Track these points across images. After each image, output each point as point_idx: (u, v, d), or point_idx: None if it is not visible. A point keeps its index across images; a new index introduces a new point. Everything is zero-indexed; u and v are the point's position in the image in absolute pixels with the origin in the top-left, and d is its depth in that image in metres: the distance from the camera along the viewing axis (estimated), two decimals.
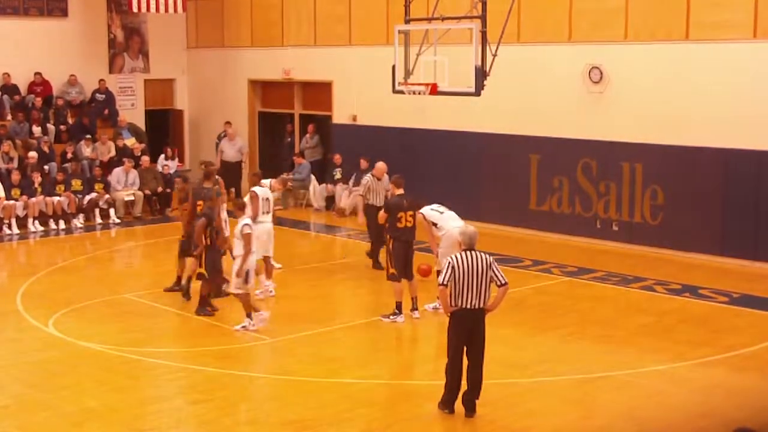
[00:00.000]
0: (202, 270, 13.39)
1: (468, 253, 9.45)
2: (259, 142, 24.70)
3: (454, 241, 13.09)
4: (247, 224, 12.45)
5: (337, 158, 21.87)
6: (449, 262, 9.44)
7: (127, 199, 21.11)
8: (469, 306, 9.36)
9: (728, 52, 16.21)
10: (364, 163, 21.24)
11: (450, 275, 9.35)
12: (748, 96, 15.94)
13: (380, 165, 16.09)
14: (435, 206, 13.61)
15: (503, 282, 9.48)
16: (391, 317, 12.92)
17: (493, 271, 9.45)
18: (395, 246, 12.88)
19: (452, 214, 13.45)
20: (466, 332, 9.44)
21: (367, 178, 16.14)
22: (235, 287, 12.43)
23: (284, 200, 21.65)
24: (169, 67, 25.44)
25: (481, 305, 9.41)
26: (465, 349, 9.48)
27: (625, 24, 17.31)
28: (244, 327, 12.40)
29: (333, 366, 11.27)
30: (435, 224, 13.28)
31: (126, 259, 18.31)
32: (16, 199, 19.58)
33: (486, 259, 9.45)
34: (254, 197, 13.83)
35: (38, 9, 23.23)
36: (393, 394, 10.48)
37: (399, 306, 12.92)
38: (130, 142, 22.83)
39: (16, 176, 19.79)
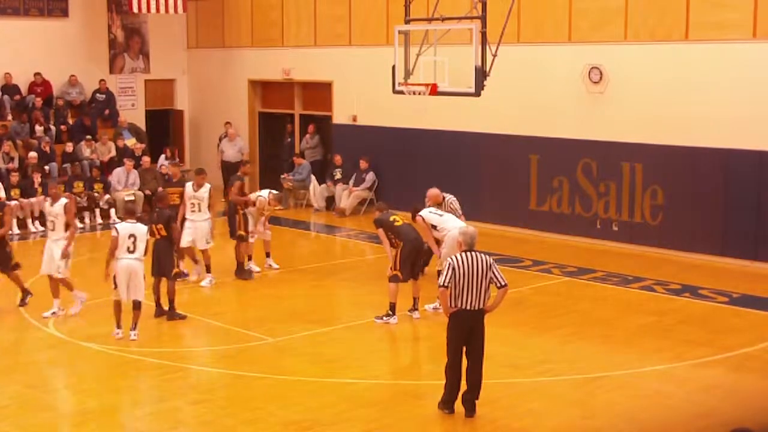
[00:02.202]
0: (179, 270, 13.33)
1: (468, 254, 9.43)
2: (259, 143, 24.71)
3: (456, 242, 13.13)
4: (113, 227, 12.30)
5: (338, 159, 21.89)
6: (449, 263, 9.44)
7: (127, 199, 21.11)
8: (468, 307, 9.36)
9: (728, 52, 16.21)
10: (363, 164, 21.29)
11: (450, 276, 9.35)
12: (748, 96, 15.94)
13: (432, 192, 14.40)
14: (432, 209, 13.68)
15: (503, 284, 9.50)
16: (384, 318, 12.93)
17: (493, 272, 9.45)
18: (405, 248, 12.87)
19: (451, 216, 13.50)
20: (466, 333, 9.44)
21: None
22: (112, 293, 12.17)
23: (284, 200, 21.66)
24: (170, 67, 25.46)
25: (481, 306, 9.41)
26: (465, 349, 9.50)
27: (624, 24, 17.31)
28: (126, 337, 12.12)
29: (333, 366, 11.28)
30: (435, 227, 13.28)
31: None
32: (17, 200, 19.61)
33: (486, 260, 9.45)
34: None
35: (39, 9, 23.24)
36: (393, 394, 10.48)
37: (393, 307, 12.92)
38: (130, 142, 22.85)
39: (14, 178, 19.78)
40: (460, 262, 9.36)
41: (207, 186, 14.98)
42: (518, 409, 9.87)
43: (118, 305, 12.12)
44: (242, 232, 15.32)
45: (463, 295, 9.34)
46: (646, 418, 9.71)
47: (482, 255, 9.48)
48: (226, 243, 15.83)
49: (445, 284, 9.38)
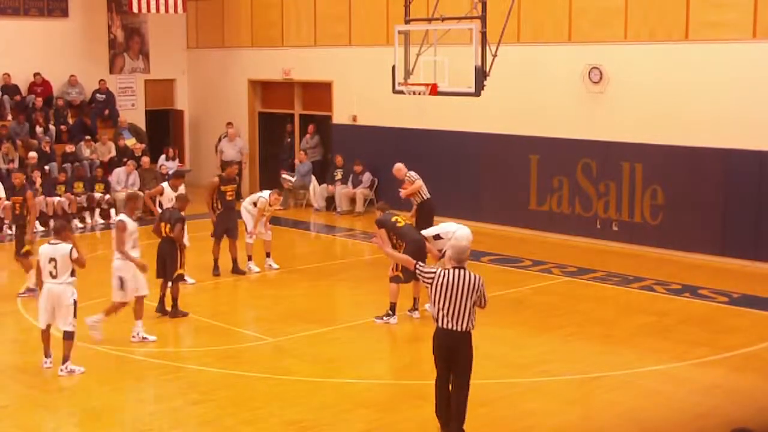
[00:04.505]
0: (182, 271, 13.35)
1: (456, 271, 8.77)
2: (259, 143, 24.71)
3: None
4: (73, 248, 10.91)
5: (339, 160, 21.88)
6: (436, 273, 8.85)
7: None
8: (450, 327, 8.70)
9: (728, 52, 16.21)
10: (358, 168, 21.32)
11: (428, 276, 8.85)
12: (748, 96, 15.95)
13: (396, 167, 15.96)
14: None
15: (482, 305, 9.08)
16: (385, 318, 12.93)
17: (481, 293, 8.81)
18: (407, 249, 12.77)
19: (449, 222, 13.55)
20: (446, 353, 8.80)
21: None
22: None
23: (284, 200, 21.67)
24: (170, 67, 25.46)
25: (465, 328, 8.71)
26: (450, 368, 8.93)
27: (624, 24, 17.31)
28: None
29: (333, 366, 11.28)
30: (438, 236, 13.19)
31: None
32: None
33: (475, 282, 8.75)
34: None
35: (38, 9, 23.24)
36: (393, 394, 10.48)
37: (393, 307, 12.92)
38: (130, 142, 22.85)
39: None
40: (446, 279, 8.72)
41: (182, 186, 15.36)
42: (518, 409, 9.87)
43: (42, 333, 11.08)
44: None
45: (445, 314, 8.70)
46: (647, 418, 9.71)
47: (472, 275, 8.80)
48: (224, 243, 15.83)
49: (419, 267, 9.04)
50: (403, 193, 15.60)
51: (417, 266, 9.11)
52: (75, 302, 10.87)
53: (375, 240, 10.29)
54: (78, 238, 19.21)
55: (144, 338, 12.08)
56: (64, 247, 10.84)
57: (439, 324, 8.79)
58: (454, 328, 8.72)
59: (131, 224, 12.00)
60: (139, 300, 12.10)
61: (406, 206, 15.96)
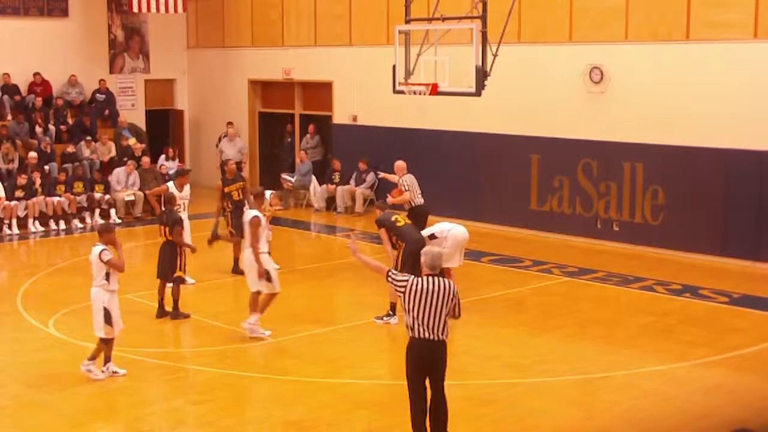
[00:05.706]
0: (181, 273, 13.30)
1: (430, 278, 8.48)
2: (259, 143, 24.71)
3: (461, 240, 13.12)
4: (104, 250, 10.63)
5: (336, 164, 21.85)
6: (409, 279, 8.53)
7: (127, 199, 21.13)
8: (426, 336, 8.47)
9: (728, 52, 16.21)
10: (363, 165, 21.30)
11: (401, 284, 8.50)
12: (748, 96, 15.94)
13: (399, 164, 15.79)
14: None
15: (456, 315, 8.76)
16: (385, 318, 12.92)
17: (455, 301, 8.58)
18: (406, 248, 12.78)
19: (443, 222, 13.55)
20: (425, 364, 8.59)
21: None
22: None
23: (284, 200, 21.69)
24: (170, 67, 25.46)
25: (441, 337, 8.47)
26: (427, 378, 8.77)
27: (625, 24, 17.31)
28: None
29: (333, 366, 11.28)
30: (434, 235, 13.19)
31: (126, 259, 18.26)
32: (18, 199, 19.57)
33: (449, 289, 8.47)
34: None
35: (38, 9, 23.23)
36: (393, 394, 10.46)
37: (393, 307, 12.90)
38: (132, 142, 22.85)
39: (22, 180, 19.71)
40: (419, 287, 8.42)
41: (188, 186, 15.19)
42: (519, 410, 9.87)
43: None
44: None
45: (420, 323, 8.45)
46: (647, 418, 9.70)
47: (445, 282, 8.51)
48: (226, 243, 15.83)
49: (390, 273, 8.62)
50: (390, 200, 15.37)
51: (389, 274, 8.78)
52: (105, 309, 10.53)
53: (349, 244, 9.64)
54: (78, 238, 19.30)
55: (262, 333, 12.26)
56: (95, 249, 10.65)
57: (415, 334, 8.50)
58: (431, 337, 8.47)
59: (263, 220, 12.48)
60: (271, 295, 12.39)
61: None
